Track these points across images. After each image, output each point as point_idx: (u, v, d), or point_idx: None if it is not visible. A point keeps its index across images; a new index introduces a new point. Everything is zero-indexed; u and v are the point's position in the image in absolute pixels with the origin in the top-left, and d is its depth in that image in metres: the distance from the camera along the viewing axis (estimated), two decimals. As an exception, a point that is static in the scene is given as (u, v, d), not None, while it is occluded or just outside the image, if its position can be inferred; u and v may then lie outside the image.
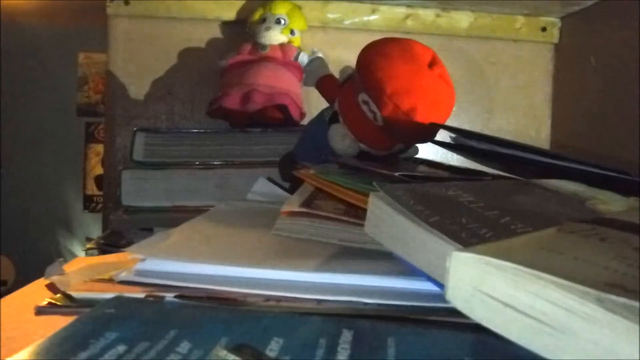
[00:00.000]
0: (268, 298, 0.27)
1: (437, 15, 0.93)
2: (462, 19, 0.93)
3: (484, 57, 0.96)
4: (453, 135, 0.50)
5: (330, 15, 0.90)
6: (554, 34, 0.96)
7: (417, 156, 0.60)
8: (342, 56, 0.82)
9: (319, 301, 0.27)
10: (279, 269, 0.30)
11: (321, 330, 0.22)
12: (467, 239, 0.24)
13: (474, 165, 0.56)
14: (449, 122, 0.52)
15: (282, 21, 0.81)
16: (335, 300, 0.27)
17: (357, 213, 0.36)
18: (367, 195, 0.31)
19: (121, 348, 0.20)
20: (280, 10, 0.81)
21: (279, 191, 0.61)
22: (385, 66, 0.50)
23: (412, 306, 0.26)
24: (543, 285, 0.18)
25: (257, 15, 0.82)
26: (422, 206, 0.27)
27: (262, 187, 0.62)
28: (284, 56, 0.80)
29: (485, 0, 0.89)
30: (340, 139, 0.55)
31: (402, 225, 0.27)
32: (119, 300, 0.25)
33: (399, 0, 0.90)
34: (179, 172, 0.68)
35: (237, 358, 0.19)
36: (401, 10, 0.92)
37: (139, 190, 0.67)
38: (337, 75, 0.60)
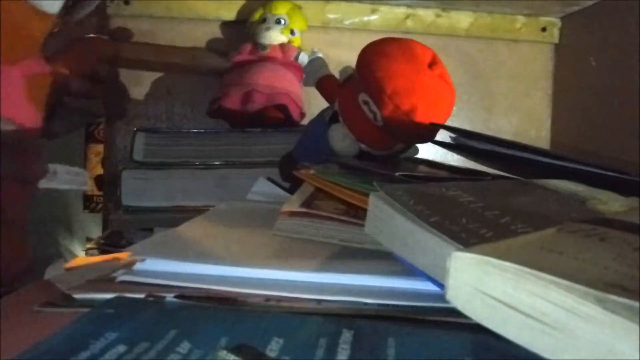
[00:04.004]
0: (268, 298, 0.27)
1: (437, 15, 0.93)
2: (462, 19, 0.93)
3: (484, 57, 0.96)
4: (453, 135, 0.50)
5: (330, 15, 0.90)
6: (554, 34, 0.96)
7: (417, 156, 0.60)
8: (342, 56, 0.82)
9: (319, 301, 0.27)
10: (279, 269, 0.30)
11: (321, 330, 0.22)
12: (467, 239, 0.24)
13: (474, 165, 0.56)
14: (449, 122, 0.52)
15: (282, 21, 0.81)
16: (335, 300, 0.27)
17: (357, 213, 0.36)
18: (367, 195, 0.31)
19: (121, 348, 0.20)
20: (280, 11, 0.81)
21: (279, 191, 0.61)
22: (385, 66, 0.50)
23: (412, 306, 0.26)
24: (543, 285, 0.18)
25: (257, 16, 0.82)
26: (422, 206, 0.27)
27: (262, 187, 0.62)
28: (284, 56, 0.80)
29: (485, 0, 0.89)
30: (340, 139, 0.55)
31: (402, 225, 0.27)
32: (119, 300, 0.25)
33: (399, 0, 0.90)
34: (179, 172, 0.68)
35: (237, 358, 0.19)
36: (401, 10, 0.92)
37: (139, 190, 0.67)
38: (337, 75, 0.60)
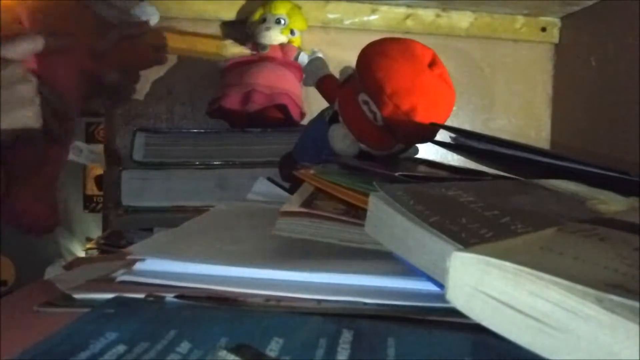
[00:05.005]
0: (268, 298, 0.27)
1: (437, 15, 0.93)
2: (462, 19, 0.93)
3: (484, 57, 0.96)
4: (453, 135, 0.50)
5: (330, 15, 0.90)
6: (554, 34, 0.96)
7: (417, 156, 0.60)
8: (342, 56, 0.82)
9: (319, 301, 0.27)
10: (279, 269, 0.30)
11: (321, 330, 0.22)
12: (467, 239, 0.24)
13: (474, 165, 0.56)
14: (449, 122, 0.52)
15: (282, 21, 0.81)
16: (335, 300, 0.27)
17: (357, 213, 0.36)
18: (367, 195, 0.31)
19: (121, 348, 0.20)
20: (280, 11, 0.81)
21: (279, 191, 0.61)
22: (385, 66, 0.50)
23: (412, 306, 0.26)
24: (543, 285, 0.18)
25: (257, 16, 0.82)
26: (422, 206, 0.27)
27: (262, 187, 0.62)
28: (284, 56, 0.80)
29: (485, 0, 0.89)
30: (340, 139, 0.55)
31: (402, 225, 0.27)
32: (119, 300, 0.25)
33: (399, 0, 0.90)
34: (179, 172, 0.68)
35: (237, 358, 0.19)
36: (401, 10, 0.92)
37: (139, 190, 0.67)
38: (337, 75, 0.60)
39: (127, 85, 0.63)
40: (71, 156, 0.59)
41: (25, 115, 0.48)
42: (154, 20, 0.65)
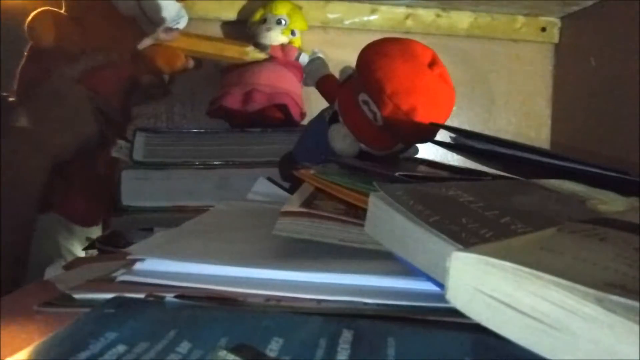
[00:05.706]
0: (268, 298, 0.27)
1: (437, 15, 0.93)
2: (462, 19, 0.93)
3: (484, 57, 0.96)
4: (453, 135, 0.50)
5: (330, 15, 0.90)
6: (554, 34, 0.96)
7: (417, 156, 0.60)
8: (342, 56, 0.82)
9: (319, 301, 0.27)
10: (279, 269, 0.30)
11: (321, 330, 0.22)
12: (467, 239, 0.24)
13: (474, 165, 0.56)
14: (449, 122, 0.52)
15: (283, 22, 0.81)
16: (335, 300, 0.27)
17: (357, 213, 0.36)
18: (367, 195, 0.31)
19: (121, 348, 0.20)
20: (281, 11, 0.81)
21: (279, 191, 0.61)
22: (385, 66, 0.50)
23: (412, 306, 0.26)
24: (543, 285, 0.18)
25: (257, 16, 0.82)
26: (422, 206, 0.27)
27: (262, 187, 0.62)
28: (285, 56, 0.80)
29: (485, 0, 0.89)
30: (341, 139, 0.55)
31: (402, 225, 0.27)
32: (119, 300, 0.25)
33: (399, 0, 0.90)
34: (179, 172, 0.68)
35: (237, 358, 0.19)
36: (401, 10, 0.92)
37: (139, 190, 0.67)
38: (337, 75, 0.60)
39: (160, 86, 0.68)
40: (114, 153, 0.66)
41: (86, 129, 0.54)
42: (182, 23, 0.67)
